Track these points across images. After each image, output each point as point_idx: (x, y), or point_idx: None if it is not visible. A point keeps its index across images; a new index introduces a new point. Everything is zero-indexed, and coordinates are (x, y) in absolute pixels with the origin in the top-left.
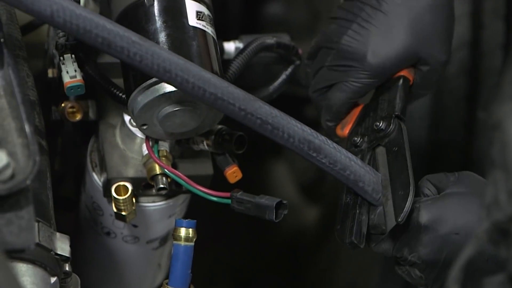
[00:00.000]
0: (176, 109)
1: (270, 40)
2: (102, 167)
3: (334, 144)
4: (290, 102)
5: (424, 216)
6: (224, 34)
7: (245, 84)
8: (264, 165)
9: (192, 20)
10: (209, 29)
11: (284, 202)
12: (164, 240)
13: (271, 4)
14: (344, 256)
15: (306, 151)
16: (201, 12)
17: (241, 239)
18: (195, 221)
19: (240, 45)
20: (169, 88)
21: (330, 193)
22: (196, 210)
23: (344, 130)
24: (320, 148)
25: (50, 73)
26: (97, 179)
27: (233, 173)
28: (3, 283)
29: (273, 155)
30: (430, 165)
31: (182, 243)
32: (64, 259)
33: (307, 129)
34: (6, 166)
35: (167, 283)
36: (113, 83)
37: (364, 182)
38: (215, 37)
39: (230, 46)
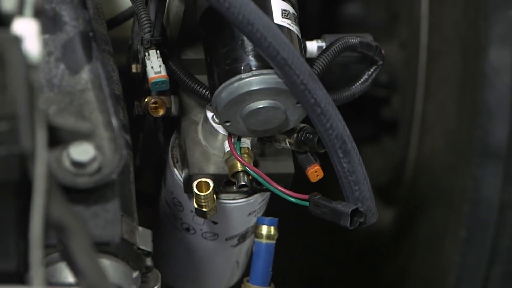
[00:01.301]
0: (260, 106)
1: (353, 39)
2: (184, 163)
3: (360, 158)
4: (368, 102)
5: None
6: (302, 34)
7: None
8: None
9: (277, 18)
10: (294, 28)
11: (361, 209)
12: (243, 237)
13: (350, 5)
14: (419, 258)
15: (335, 149)
16: (286, 11)
17: (316, 239)
18: (277, 219)
19: (323, 44)
20: (254, 85)
21: (406, 195)
22: (272, 208)
23: None
24: (348, 153)
25: (134, 68)
26: (178, 174)
27: (314, 172)
28: (93, 276)
29: None
30: None
31: (264, 240)
32: (146, 253)
33: (347, 130)
34: (93, 159)
35: (247, 281)
36: (197, 79)
37: (363, 205)
38: (300, 36)
39: (313, 45)
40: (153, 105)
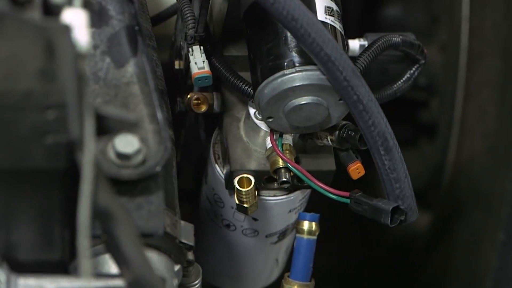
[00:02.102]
0: (303, 102)
1: (396, 38)
2: (225, 159)
3: (402, 155)
4: (407, 105)
5: None
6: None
7: None
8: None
9: (321, 15)
10: (337, 25)
11: (401, 207)
12: (283, 234)
13: (389, 6)
14: (456, 262)
15: (377, 146)
16: (329, 7)
17: (352, 240)
18: (318, 215)
19: (365, 43)
20: (297, 81)
21: (444, 199)
22: (308, 209)
23: None
24: (390, 150)
25: (177, 64)
26: (220, 171)
27: (356, 169)
28: (139, 265)
29: None
30: None
31: (305, 236)
32: (188, 247)
33: (389, 127)
34: (138, 151)
35: (288, 276)
36: (239, 76)
37: (403, 203)
38: (343, 33)
39: (355, 44)
40: (196, 101)
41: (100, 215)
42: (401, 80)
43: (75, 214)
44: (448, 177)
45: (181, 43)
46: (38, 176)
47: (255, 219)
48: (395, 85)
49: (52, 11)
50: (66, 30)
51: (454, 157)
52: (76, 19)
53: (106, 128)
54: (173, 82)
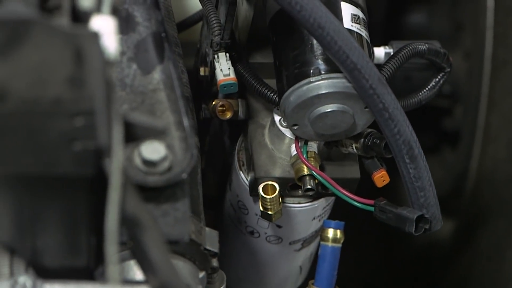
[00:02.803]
0: (329, 110)
1: (422, 45)
2: (250, 166)
3: (427, 164)
4: (430, 113)
5: None
6: None
7: None
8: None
9: (347, 23)
10: (363, 32)
11: (426, 216)
12: (307, 242)
13: (414, 14)
14: (479, 270)
15: (402, 154)
16: (356, 15)
17: (370, 248)
18: (343, 222)
19: (390, 51)
20: (323, 89)
21: (467, 207)
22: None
23: None
24: (415, 158)
25: (202, 71)
26: (244, 177)
27: (380, 177)
28: (165, 272)
29: None
30: None
31: (330, 244)
32: (213, 254)
33: (414, 136)
34: (164, 158)
35: (312, 283)
36: (265, 83)
37: (428, 211)
38: (369, 41)
39: (380, 52)
40: (221, 108)
41: (127, 222)
42: (427, 88)
43: (101, 220)
44: (471, 185)
45: (207, 49)
46: (66, 182)
47: (279, 226)
48: (420, 93)
49: (80, 18)
50: (95, 37)
51: (477, 165)
52: (104, 26)
53: (133, 135)
54: (198, 89)
